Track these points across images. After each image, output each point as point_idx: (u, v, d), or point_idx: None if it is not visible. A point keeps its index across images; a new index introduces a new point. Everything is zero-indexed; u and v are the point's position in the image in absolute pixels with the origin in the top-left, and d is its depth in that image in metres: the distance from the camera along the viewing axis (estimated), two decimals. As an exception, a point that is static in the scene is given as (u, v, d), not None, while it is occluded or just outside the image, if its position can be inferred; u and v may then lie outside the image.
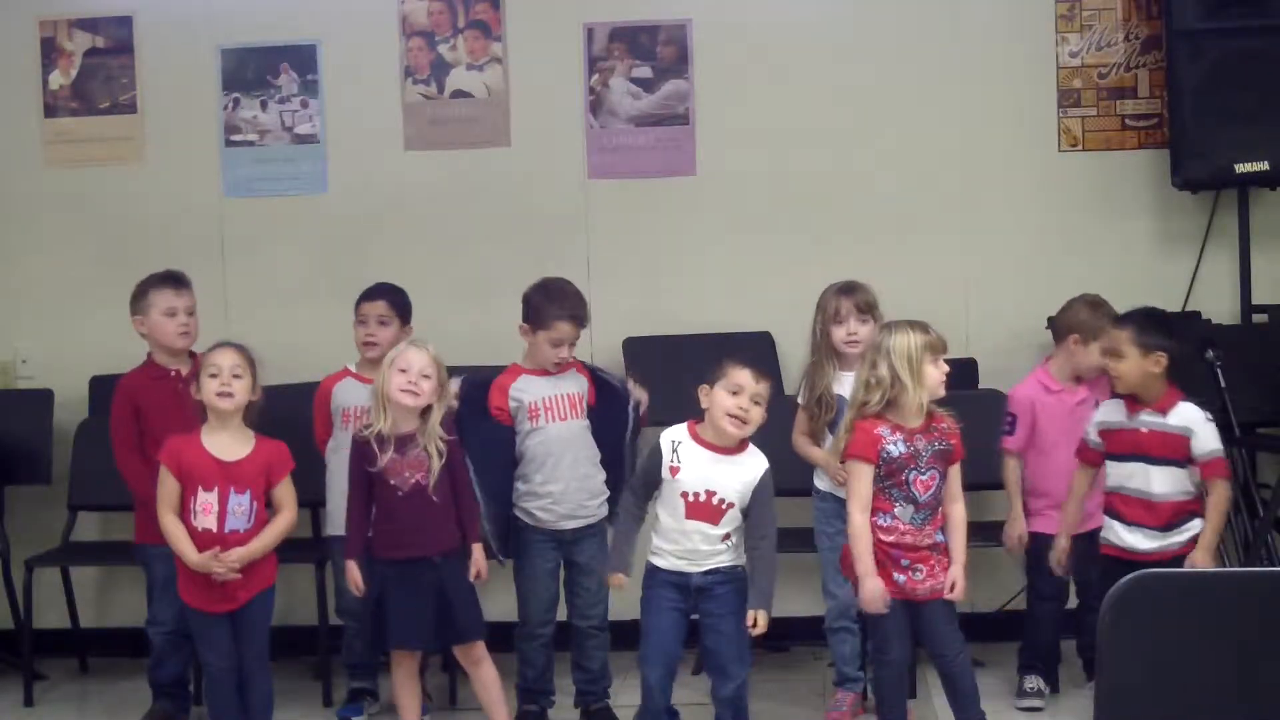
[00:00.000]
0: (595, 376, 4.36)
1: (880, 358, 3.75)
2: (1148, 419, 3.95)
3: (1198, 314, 4.95)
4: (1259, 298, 4.95)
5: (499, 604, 4.38)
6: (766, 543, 3.79)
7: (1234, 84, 4.74)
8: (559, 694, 4.42)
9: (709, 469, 3.79)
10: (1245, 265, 4.96)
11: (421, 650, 4.16)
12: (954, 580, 3.75)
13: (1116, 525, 3.98)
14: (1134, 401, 3.97)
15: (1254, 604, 2.22)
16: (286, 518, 4.03)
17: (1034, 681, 4.37)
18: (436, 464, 3.99)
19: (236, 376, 3.96)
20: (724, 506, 3.78)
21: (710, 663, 3.91)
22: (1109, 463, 4.02)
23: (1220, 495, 3.94)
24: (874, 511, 3.77)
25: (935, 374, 3.76)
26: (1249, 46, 4.76)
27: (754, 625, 3.72)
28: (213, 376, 3.95)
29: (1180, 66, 4.83)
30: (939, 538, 3.78)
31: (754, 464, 3.82)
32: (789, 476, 4.31)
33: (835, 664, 4.39)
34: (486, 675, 4.10)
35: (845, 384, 4.22)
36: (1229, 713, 2.21)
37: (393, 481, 3.98)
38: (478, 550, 4.05)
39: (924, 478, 3.75)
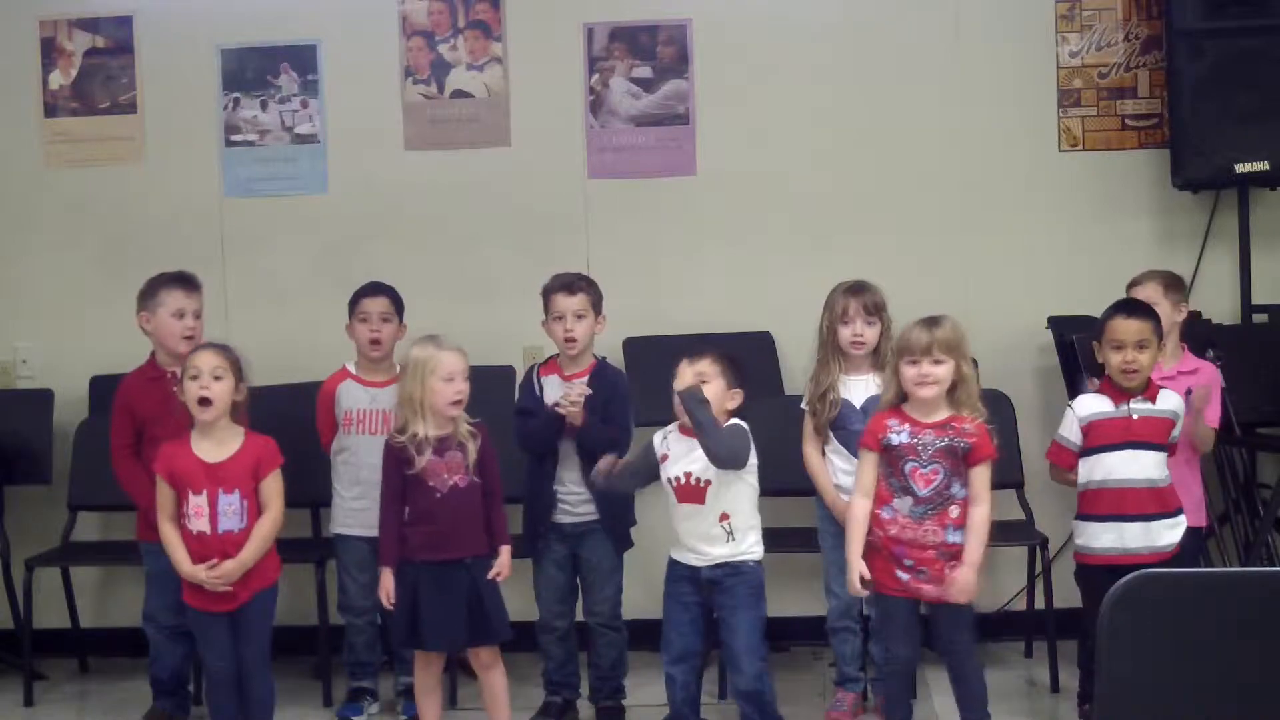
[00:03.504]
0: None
1: (891, 358, 3.89)
2: (1138, 406, 3.96)
3: (1198, 314, 4.94)
4: (1259, 298, 4.96)
5: (512, 605, 4.37)
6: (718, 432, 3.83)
7: (1234, 84, 4.75)
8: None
9: (685, 452, 3.89)
10: (1245, 265, 4.97)
11: (454, 652, 4.17)
12: (957, 579, 3.72)
13: (1108, 525, 3.95)
14: (1119, 392, 3.98)
15: (1254, 604, 2.22)
16: (271, 517, 3.98)
17: None
18: (473, 448, 3.98)
19: (217, 378, 3.93)
20: (702, 484, 3.86)
21: (725, 656, 3.98)
22: (1096, 457, 4.00)
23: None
24: (878, 503, 3.80)
25: (907, 373, 3.78)
26: (1249, 46, 4.76)
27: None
28: (193, 379, 3.93)
29: (1180, 66, 4.83)
30: (950, 539, 3.75)
31: None
32: (791, 476, 4.31)
33: (836, 664, 4.40)
34: (496, 680, 4.09)
35: (850, 386, 4.22)
36: (1229, 713, 2.21)
37: (431, 483, 3.96)
38: (505, 553, 4.04)
39: (925, 471, 3.75)
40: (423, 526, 3.97)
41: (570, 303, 4.26)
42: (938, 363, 3.75)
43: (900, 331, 3.88)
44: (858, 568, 3.79)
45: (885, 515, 3.78)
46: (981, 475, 3.79)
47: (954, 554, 3.75)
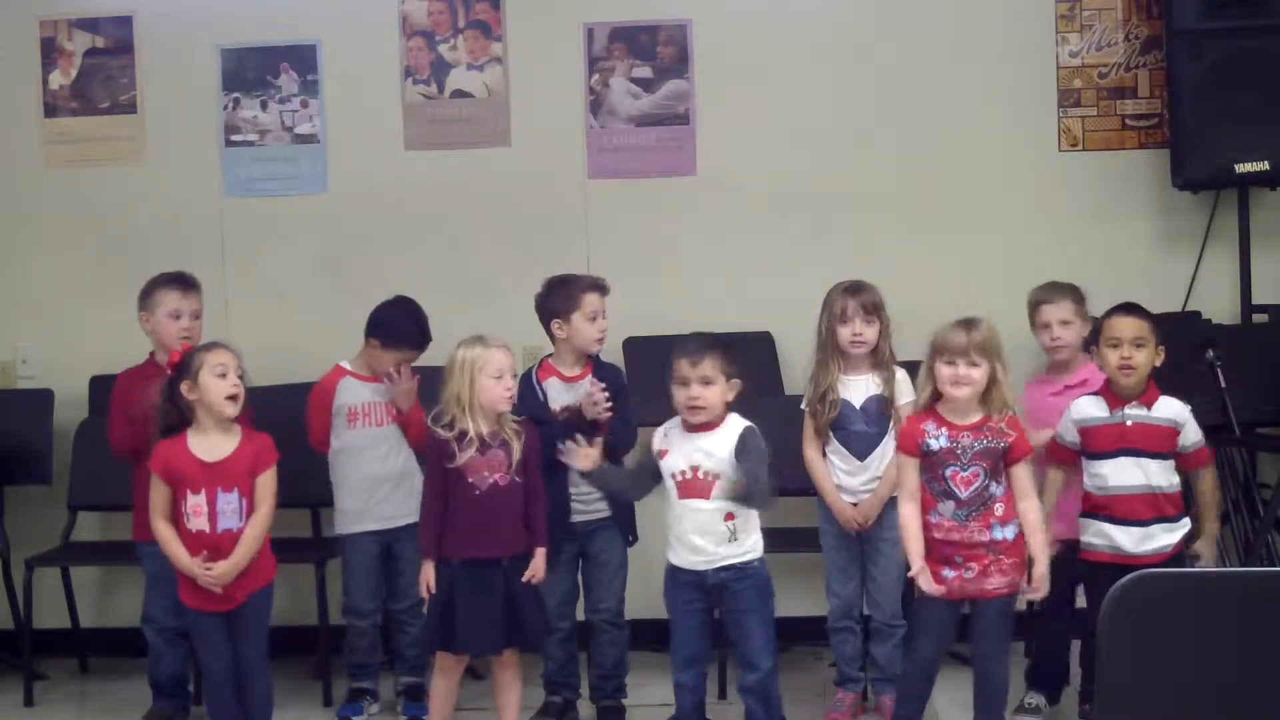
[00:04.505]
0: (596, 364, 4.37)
1: (926, 358, 3.87)
2: (1133, 413, 3.95)
3: (1198, 314, 4.95)
4: (1259, 298, 4.96)
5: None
6: (761, 484, 3.79)
7: (1234, 84, 4.75)
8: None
9: (690, 446, 3.86)
10: (1245, 265, 4.97)
11: (487, 654, 4.13)
12: (1035, 580, 3.76)
13: (1105, 527, 3.96)
14: (1116, 396, 3.97)
15: (1254, 604, 2.22)
16: (262, 515, 3.96)
17: (1035, 698, 4.31)
18: (517, 446, 3.95)
19: (239, 376, 3.96)
20: (709, 479, 3.83)
21: (737, 656, 3.97)
22: (1093, 462, 3.99)
23: (1211, 482, 4.01)
24: (921, 508, 3.81)
25: (943, 373, 3.79)
26: (1249, 46, 4.76)
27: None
28: (221, 376, 3.93)
29: (1180, 66, 4.84)
30: (997, 535, 3.76)
31: (733, 429, 3.86)
32: (791, 476, 4.31)
33: (836, 664, 4.39)
34: (511, 681, 4.08)
35: (849, 386, 4.22)
36: (1229, 713, 2.21)
37: (471, 479, 3.94)
38: (540, 555, 4.02)
39: (965, 474, 3.76)
40: (460, 523, 3.95)
41: (604, 302, 4.27)
42: (974, 365, 3.76)
43: (937, 331, 3.85)
44: (926, 572, 3.78)
45: (931, 519, 3.80)
46: (1023, 472, 3.82)
47: (1002, 550, 3.77)
